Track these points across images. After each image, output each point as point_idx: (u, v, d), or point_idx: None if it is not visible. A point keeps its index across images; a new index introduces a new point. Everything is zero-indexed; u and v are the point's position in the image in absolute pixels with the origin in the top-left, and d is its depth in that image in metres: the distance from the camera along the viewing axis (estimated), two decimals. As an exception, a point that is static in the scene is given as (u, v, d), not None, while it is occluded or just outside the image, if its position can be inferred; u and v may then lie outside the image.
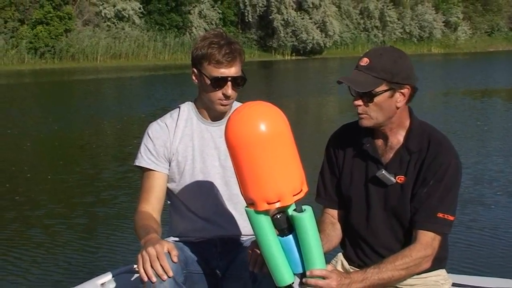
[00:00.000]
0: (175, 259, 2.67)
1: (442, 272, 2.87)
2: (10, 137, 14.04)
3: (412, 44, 60.09)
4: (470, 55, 53.08)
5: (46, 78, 30.82)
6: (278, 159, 2.38)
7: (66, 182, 9.62)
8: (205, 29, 46.85)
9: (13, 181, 9.75)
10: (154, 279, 2.61)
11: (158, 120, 3.21)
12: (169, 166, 3.16)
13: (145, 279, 2.61)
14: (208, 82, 3.03)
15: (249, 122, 2.38)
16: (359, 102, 2.72)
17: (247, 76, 3.07)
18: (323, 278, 2.48)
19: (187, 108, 3.21)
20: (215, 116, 3.17)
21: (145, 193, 3.12)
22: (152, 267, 2.61)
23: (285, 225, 2.44)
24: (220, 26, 49.22)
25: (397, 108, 2.73)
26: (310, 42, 52.40)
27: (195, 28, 47.83)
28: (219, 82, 3.02)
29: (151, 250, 2.63)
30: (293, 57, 50.69)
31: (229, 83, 3.03)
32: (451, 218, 2.73)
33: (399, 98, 2.71)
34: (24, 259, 6.36)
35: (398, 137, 2.82)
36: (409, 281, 2.76)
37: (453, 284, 2.94)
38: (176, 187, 3.18)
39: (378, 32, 59.61)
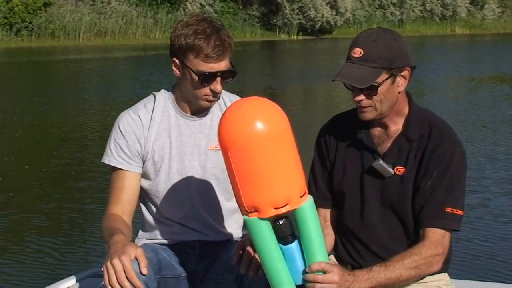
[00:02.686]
0: (144, 271, 2.65)
1: (444, 276, 2.89)
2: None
3: (433, 23, 60.00)
4: (498, 37, 53.01)
5: (23, 57, 30.80)
6: (285, 158, 2.43)
7: (44, 172, 9.77)
8: (200, 4, 46.81)
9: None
10: None
11: (130, 111, 3.15)
12: (143, 164, 3.13)
13: None
14: (195, 77, 2.99)
15: (252, 120, 2.39)
16: (361, 97, 2.76)
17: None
18: (324, 272, 2.48)
19: (164, 98, 3.17)
20: (197, 110, 3.14)
21: (115, 194, 3.09)
22: (120, 283, 2.60)
23: (290, 231, 2.48)
24: (218, 1, 49.19)
25: (399, 92, 2.80)
26: (319, 20, 52.30)
27: (190, 3, 47.76)
28: (207, 78, 2.99)
29: (116, 263, 2.61)
30: (300, 37, 50.57)
31: (219, 78, 3.00)
32: (460, 213, 2.76)
33: (400, 82, 2.78)
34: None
35: (396, 125, 2.86)
36: (411, 287, 2.78)
37: None
38: (149, 187, 3.16)
39: (395, 10, 59.49)
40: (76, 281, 3.32)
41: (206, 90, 3.01)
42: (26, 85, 21.13)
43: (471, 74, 23.99)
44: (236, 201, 2.51)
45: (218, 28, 2.97)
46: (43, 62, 29.29)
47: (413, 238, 2.82)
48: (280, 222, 2.46)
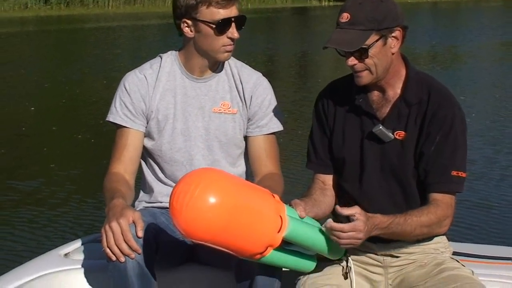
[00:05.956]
0: (140, 234, 2.82)
1: (442, 239, 3.02)
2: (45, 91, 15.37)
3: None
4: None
5: (53, 26, 31.31)
6: (250, 216, 2.55)
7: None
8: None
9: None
10: (122, 259, 2.79)
11: (136, 71, 3.30)
12: (147, 123, 3.28)
13: (113, 258, 2.80)
14: (213, 27, 3.15)
15: (205, 208, 2.45)
16: (353, 61, 2.85)
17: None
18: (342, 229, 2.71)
19: (170, 60, 3.31)
20: (208, 68, 3.30)
21: (117, 152, 3.24)
22: (117, 245, 2.78)
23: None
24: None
25: (392, 54, 2.88)
26: (352, -16, 51.65)
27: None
28: (224, 25, 3.15)
29: (114, 226, 2.77)
30: (331, 3, 49.78)
31: (233, 24, 3.18)
32: (463, 175, 2.90)
33: (393, 43, 2.86)
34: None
35: (394, 89, 2.95)
36: (408, 249, 2.97)
37: (454, 253, 3.08)
38: (152, 146, 3.31)
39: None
40: (82, 244, 3.52)
41: (224, 39, 3.18)
42: (70, 54, 21.77)
43: (506, 38, 23.95)
44: None
45: None
46: (74, 30, 29.69)
47: (413, 203, 2.94)
48: None
